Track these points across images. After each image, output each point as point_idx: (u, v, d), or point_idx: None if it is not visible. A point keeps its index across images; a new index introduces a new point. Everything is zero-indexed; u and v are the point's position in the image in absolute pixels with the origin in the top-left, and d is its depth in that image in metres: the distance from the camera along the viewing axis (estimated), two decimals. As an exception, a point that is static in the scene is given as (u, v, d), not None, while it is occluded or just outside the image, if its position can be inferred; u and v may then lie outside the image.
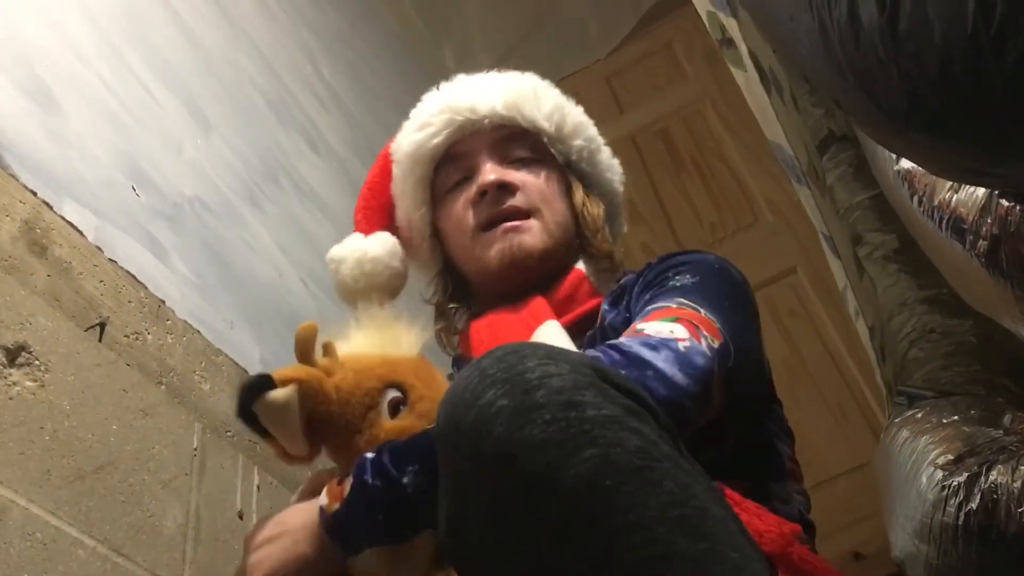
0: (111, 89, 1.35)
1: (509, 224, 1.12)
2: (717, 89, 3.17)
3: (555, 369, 0.68)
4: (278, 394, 0.85)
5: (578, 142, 1.20)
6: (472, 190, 1.15)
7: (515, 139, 1.18)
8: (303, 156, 1.96)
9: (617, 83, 3.43)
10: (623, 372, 0.82)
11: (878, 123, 0.79)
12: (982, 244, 0.93)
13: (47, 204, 1.08)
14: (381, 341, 0.96)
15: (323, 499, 0.83)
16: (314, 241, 1.81)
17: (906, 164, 1.09)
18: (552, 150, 1.19)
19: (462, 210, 1.16)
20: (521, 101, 1.17)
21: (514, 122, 1.17)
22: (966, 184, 0.95)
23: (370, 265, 1.18)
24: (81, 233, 1.12)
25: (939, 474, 1.14)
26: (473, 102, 1.17)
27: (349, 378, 0.90)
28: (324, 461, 0.94)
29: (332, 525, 0.81)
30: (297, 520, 0.85)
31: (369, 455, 0.83)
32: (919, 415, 1.33)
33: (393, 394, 0.90)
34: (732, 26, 1.58)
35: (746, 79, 1.68)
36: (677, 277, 1.01)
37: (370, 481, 0.80)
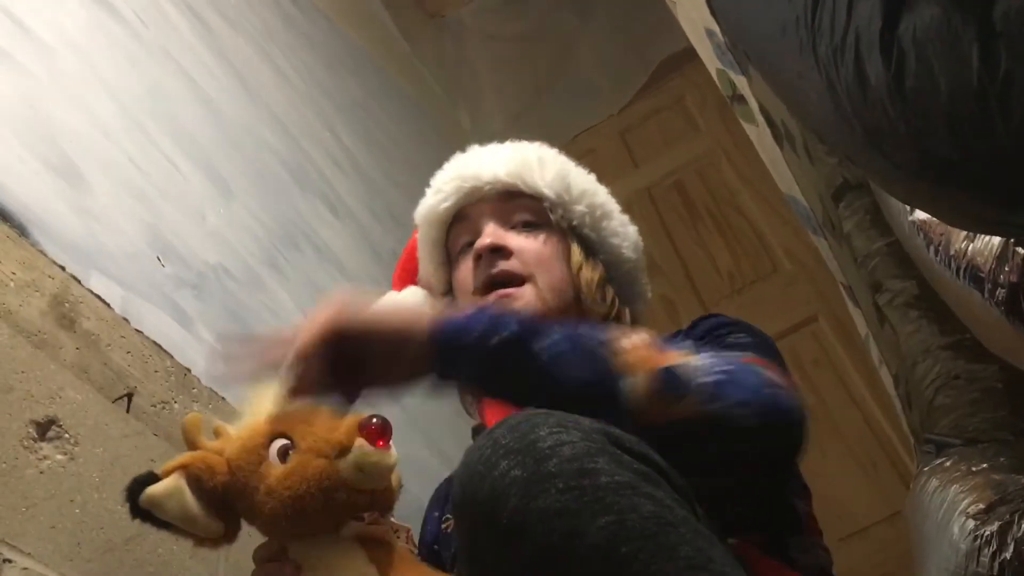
0: (135, 163, 1.38)
1: (502, 291, 1.14)
2: (730, 140, 3.20)
3: (567, 437, 0.68)
4: (159, 486, 0.89)
5: (580, 208, 1.22)
6: (471, 253, 1.19)
7: (517, 204, 1.21)
8: (323, 220, 1.99)
9: (631, 138, 3.46)
10: (751, 380, 0.84)
11: (889, 177, 0.80)
12: (1000, 292, 0.93)
13: (75, 278, 1.10)
14: (267, 407, 0.99)
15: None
16: (335, 304, 1.83)
17: (920, 214, 1.10)
18: (553, 215, 1.21)
19: (465, 272, 1.20)
20: (523, 169, 1.21)
21: (516, 188, 1.21)
22: (981, 233, 0.95)
23: None
24: (108, 305, 1.14)
25: (971, 523, 1.13)
26: (478, 170, 1.22)
27: (237, 446, 0.94)
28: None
29: (442, 324, 0.84)
30: (418, 312, 0.88)
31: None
32: (948, 463, 1.31)
33: (280, 443, 0.93)
34: (742, 83, 1.61)
35: (758, 134, 1.70)
36: (732, 336, 1.02)
37: (509, 315, 0.85)
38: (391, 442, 0.92)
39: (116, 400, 1.08)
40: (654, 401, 0.81)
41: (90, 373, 1.06)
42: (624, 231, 1.27)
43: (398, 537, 0.95)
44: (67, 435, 0.98)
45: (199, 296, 1.38)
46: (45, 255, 1.08)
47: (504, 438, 0.69)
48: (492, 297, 1.14)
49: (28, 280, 1.03)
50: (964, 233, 0.99)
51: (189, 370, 1.24)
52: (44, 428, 0.96)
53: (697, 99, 3.39)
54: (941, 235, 1.05)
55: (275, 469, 0.91)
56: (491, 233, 1.18)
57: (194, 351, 1.29)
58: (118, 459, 1.04)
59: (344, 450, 0.89)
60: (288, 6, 2.45)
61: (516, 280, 1.15)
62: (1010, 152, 0.65)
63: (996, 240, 0.93)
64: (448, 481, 1.15)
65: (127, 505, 0.89)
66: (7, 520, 0.87)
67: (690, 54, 1.95)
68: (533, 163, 1.22)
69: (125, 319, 1.16)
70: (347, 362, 0.89)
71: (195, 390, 1.24)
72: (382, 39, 3.20)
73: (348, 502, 0.91)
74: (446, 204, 1.23)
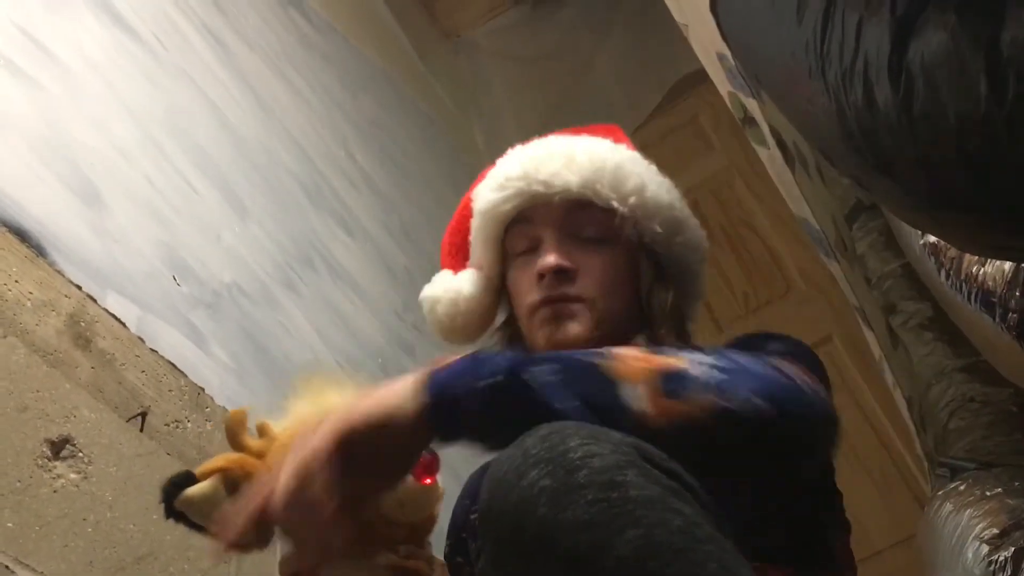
0: (152, 183, 1.39)
1: (560, 306, 1.10)
2: (745, 160, 3.19)
3: (597, 448, 0.68)
4: (196, 489, 0.86)
5: (655, 226, 1.13)
6: (534, 270, 1.13)
7: (587, 215, 1.13)
8: (337, 239, 2.00)
9: (645, 157, 3.46)
10: (763, 371, 0.81)
11: (899, 201, 0.80)
12: (1012, 317, 0.92)
13: (91, 297, 1.12)
14: (317, 408, 0.97)
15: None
16: (348, 322, 1.84)
17: (931, 237, 1.10)
18: (625, 232, 1.13)
19: (524, 287, 1.15)
20: (598, 179, 1.12)
21: (587, 199, 1.12)
22: (991, 258, 0.95)
23: (464, 304, 1.19)
24: (124, 324, 1.15)
25: (985, 548, 1.12)
26: (549, 175, 1.13)
27: (279, 452, 0.89)
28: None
29: (436, 380, 0.77)
30: (403, 381, 0.80)
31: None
32: (962, 487, 1.30)
33: None
34: (753, 106, 1.61)
35: (770, 156, 1.70)
36: (769, 343, 0.98)
37: (494, 355, 0.79)
38: (437, 476, 0.89)
39: (130, 419, 1.09)
40: (658, 406, 0.79)
41: (105, 392, 1.07)
42: (695, 241, 1.19)
43: (432, 570, 0.93)
44: (81, 454, 0.99)
45: (214, 315, 1.39)
46: (62, 275, 1.09)
47: (534, 447, 0.69)
48: (550, 310, 1.10)
49: (45, 299, 1.04)
50: (976, 257, 0.99)
51: (203, 389, 1.25)
52: (58, 447, 0.96)
53: (711, 119, 3.40)
54: (952, 259, 1.05)
55: None
56: (555, 251, 1.10)
57: (208, 370, 1.30)
58: (131, 478, 1.04)
59: None
60: (305, 26, 2.47)
61: (575, 300, 1.10)
62: (1018, 177, 0.65)
63: (1008, 264, 0.93)
64: (482, 470, 1.12)
65: (162, 505, 0.87)
66: (20, 538, 0.88)
67: (705, 74, 1.96)
68: (609, 172, 1.13)
69: (140, 338, 1.17)
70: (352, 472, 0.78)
71: (208, 409, 1.25)
72: (398, 58, 3.22)
73: (386, 534, 0.89)
74: (507, 207, 1.15)
